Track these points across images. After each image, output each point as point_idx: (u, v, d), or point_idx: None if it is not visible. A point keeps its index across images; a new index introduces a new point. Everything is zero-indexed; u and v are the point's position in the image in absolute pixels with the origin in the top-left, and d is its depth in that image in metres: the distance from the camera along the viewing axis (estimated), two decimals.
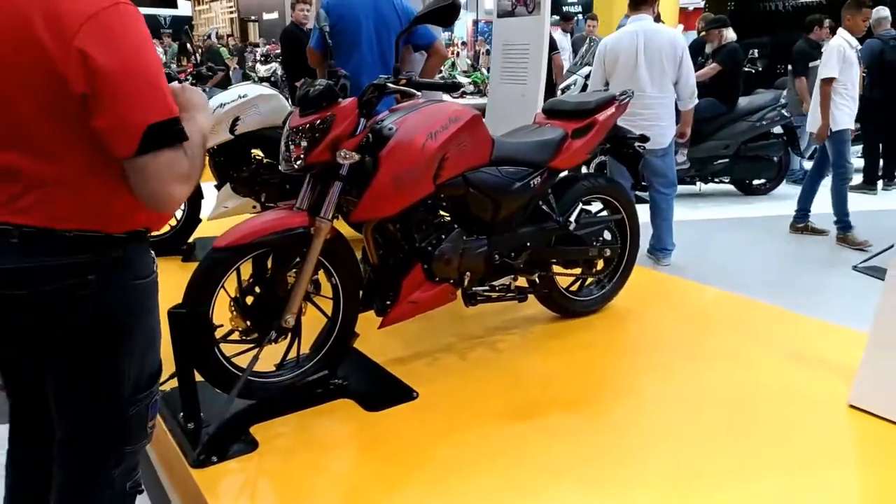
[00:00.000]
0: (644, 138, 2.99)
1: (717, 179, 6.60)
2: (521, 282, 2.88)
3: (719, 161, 6.42)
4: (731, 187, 6.84)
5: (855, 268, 4.48)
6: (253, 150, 4.11)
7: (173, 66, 12.29)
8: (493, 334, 2.99)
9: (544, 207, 2.82)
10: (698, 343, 2.92)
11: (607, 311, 3.22)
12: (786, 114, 6.38)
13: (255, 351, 2.28)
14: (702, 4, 10.77)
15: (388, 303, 2.56)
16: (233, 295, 2.32)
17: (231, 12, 27.01)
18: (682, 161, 6.31)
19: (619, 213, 3.12)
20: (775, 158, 6.54)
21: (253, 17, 25.77)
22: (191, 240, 4.26)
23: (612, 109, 2.91)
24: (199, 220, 4.24)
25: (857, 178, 6.31)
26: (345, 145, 2.25)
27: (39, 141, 1.25)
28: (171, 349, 2.19)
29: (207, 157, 4.12)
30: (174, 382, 2.37)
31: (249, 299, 2.34)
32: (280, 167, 2.33)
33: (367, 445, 2.23)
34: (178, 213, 4.21)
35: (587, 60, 9.22)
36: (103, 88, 1.20)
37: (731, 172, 6.52)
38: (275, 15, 24.88)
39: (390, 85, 2.26)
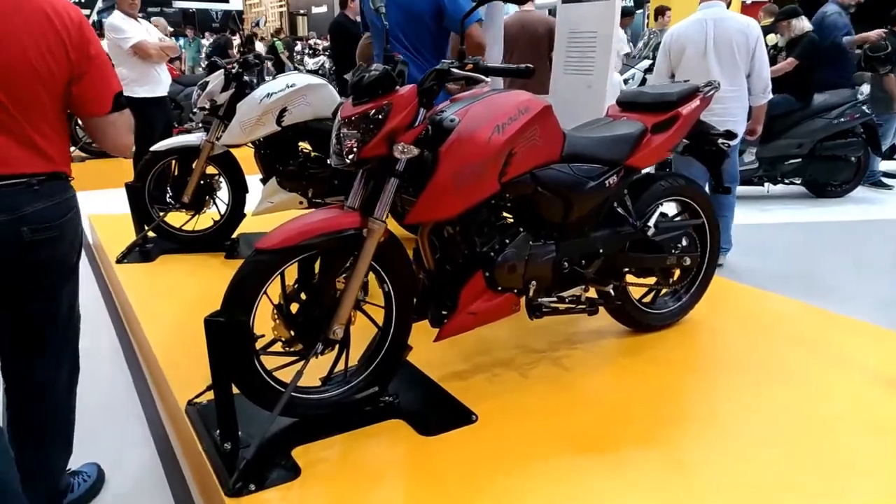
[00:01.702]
0: (730, 134, 2.67)
1: (787, 180, 6.17)
2: (590, 292, 2.60)
3: (791, 161, 5.99)
4: (801, 189, 6.40)
5: None
6: (300, 143, 3.91)
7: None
8: (557, 348, 2.72)
9: (619, 210, 2.54)
10: (777, 361, 2.60)
11: (676, 323, 2.91)
12: (867, 111, 5.92)
13: (300, 364, 2.06)
14: None
15: (445, 313, 2.32)
16: (276, 302, 2.11)
17: (280, 6, 27.14)
18: (749, 161, 5.91)
19: (698, 217, 2.81)
20: (853, 159, 6.07)
21: (302, 12, 25.85)
22: (234, 235, 4.10)
23: (696, 102, 2.60)
24: (244, 216, 4.07)
25: None
26: (402, 138, 2.01)
27: (47, 115, 1.79)
28: (207, 359, 2.00)
29: (253, 151, 3.94)
30: (210, 395, 2.18)
31: (294, 307, 2.12)
32: (330, 161, 2.10)
33: (420, 474, 1.98)
34: (222, 208, 4.05)
35: (646, 54, 8.82)
36: (93, 68, 1.82)
37: (804, 173, 6.08)
38: (324, 9, 24.89)
39: (455, 70, 2.00)
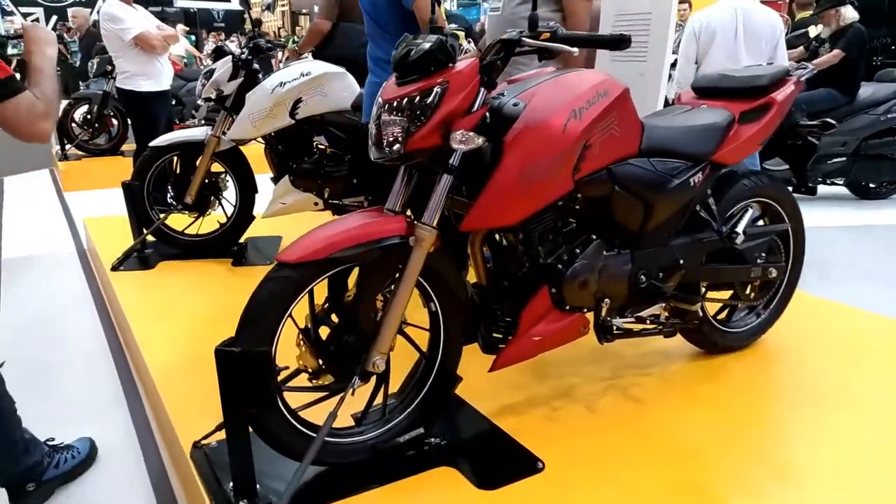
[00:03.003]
0: (827, 125, 2.29)
1: (829, 181, 5.79)
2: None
3: (835, 160, 5.60)
4: (843, 190, 6.01)
5: None
6: (315, 138, 3.54)
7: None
8: (622, 374, 2.33)
9: (702, 213, 2.16)
10: (876, 390, 2.22)
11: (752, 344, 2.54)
12: None
13: (334, 402, 1.69)
14: None
15: (500, 336, 1.95)
16: (301, 325, 1.73)
17: (283, 5, 26.75)
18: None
19: (783, 221, 2.42)
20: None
21: (304, 10, 25.44)
22: (242, 240, 3.72)
23: (790, 87, 2.22)
24: (252, 218, 3.69)
25: None
26: (459, 125, 1.63)
27: None
28: (219, 395, 1.62)
29: (264, 147, 3.56)
30: (221, 434, 1.80)
31: (323, 331, 1.74)
32: (371, 155, 1.72)
33: None
34: (229, 209, 3.66)
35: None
36: None
37: (848, 173, 5.69)
38: None
39: (528, 40, 1.62)
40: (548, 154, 1.69)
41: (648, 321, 2.11)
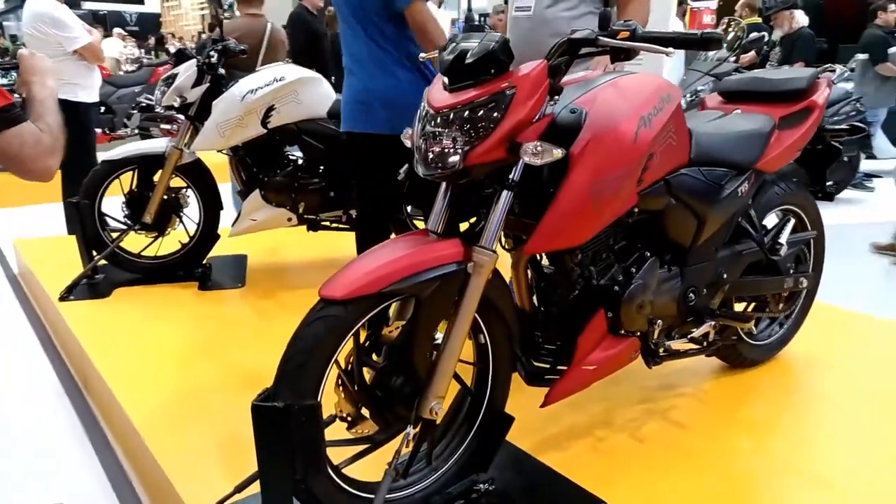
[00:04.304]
0: (857, 129, 2.23)
1: None
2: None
3: None
4: None
5: None
6: (288, 148, 3.26)
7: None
8: (656, 398, 2.19)
9: (744, 224, 2.04)
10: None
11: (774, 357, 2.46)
12: (860, 107, 5.70)
13: (391, 458, 1.46)
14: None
15: (548, 367, 1.77)
16: (342, 366, 1.49)
17: (203, 8, 25.74)
18: None
19: (808, 229, 2.35)
20: (846, 158, 5.86)
21: (227, 15, 24.56)
22: (205, 261, 3.39)
23: (826, 90, 2.14)
24: (217, 236, 3.37)
25: None
26: (525, 136, 1.44)
27: None
28: (256, 459, 1.37)
29: (229, 158, 3.25)
30: (237, 496, 1.55)
31: (366, 373, 1.51)
32: (418, 171, 1.50)
33: None
34: (191, 227, 3.33)
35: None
36: None
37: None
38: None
39: (604, 39, 1.44)
40: (620, 166, 1.52)
41: (695, 341, 1.98)
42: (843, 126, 2.27)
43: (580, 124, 1.52)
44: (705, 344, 2.02)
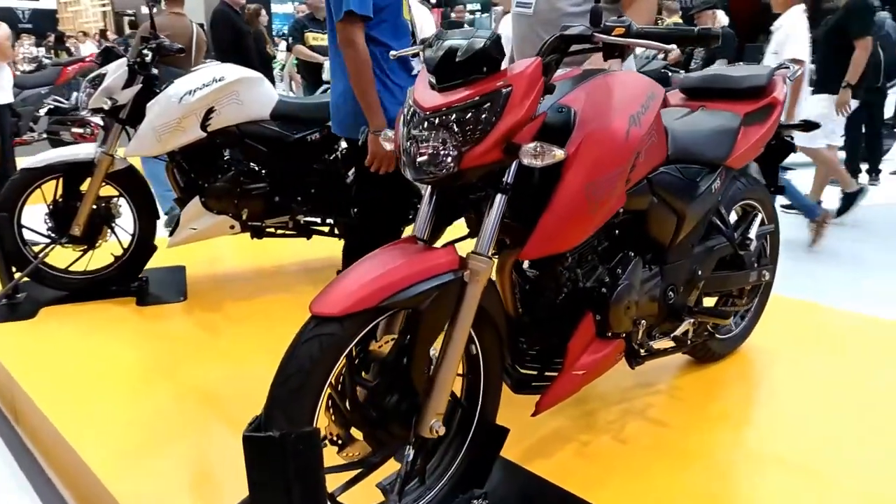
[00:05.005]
0: (810, 125, 2.29)
1: None
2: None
3: None
4: None
5: None
6: (229, 152, 3.08)
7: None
8: (632, 396, 2.18)
9: (716, 220, 2.06)
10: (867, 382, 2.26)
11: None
12: None
13: (391, 482, 1.37)
14: None
15: (536, 373, 1.72)
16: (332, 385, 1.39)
17: (103, 5, 24.46)
18: None
19: (767, 223, 2.40)
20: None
21: (130, 12, 23.36)
22: (141, 275, 3.17)
23: (783, 86, 2.19)
24: (154, 248, 3.16)
25: None
26: (521, 136, 1.38)
27: None
28: (249, 493, 1.26)
29: (166, 164, 3.05)
30: None
31: (359, 393, 1.42)
32: (407, 175, 1.42)
33: None
34: (125, 239, 3.11)
35: None
36: None
37: None
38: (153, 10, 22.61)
39: (600, 35, 1.39)
40: (614, 165, 1.49)
41: (676, 340, 1.98)
42: (796, 122, 2.32)
43: (570, 124, 1.48)
44: (688, 342, 2.03)
